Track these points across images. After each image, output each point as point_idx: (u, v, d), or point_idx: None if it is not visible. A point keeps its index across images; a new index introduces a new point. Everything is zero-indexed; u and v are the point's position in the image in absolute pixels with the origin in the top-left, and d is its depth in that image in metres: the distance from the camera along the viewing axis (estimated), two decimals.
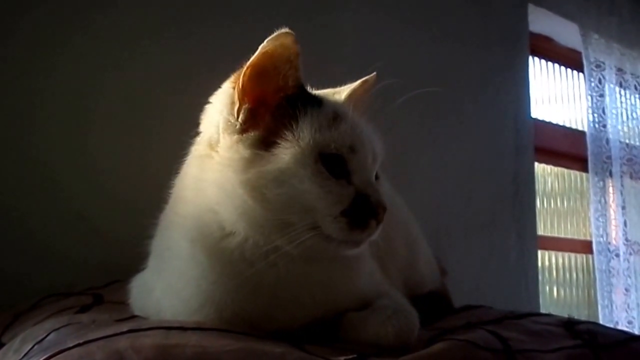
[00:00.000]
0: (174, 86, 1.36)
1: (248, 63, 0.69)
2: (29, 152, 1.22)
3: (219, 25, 1.47)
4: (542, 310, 2.23)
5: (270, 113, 0.70)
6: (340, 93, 0.83)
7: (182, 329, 0.64)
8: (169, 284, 0.74)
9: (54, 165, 1.24)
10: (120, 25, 1.35)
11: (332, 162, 0.68)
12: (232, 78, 0.72)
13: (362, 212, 0.68)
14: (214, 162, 0.71)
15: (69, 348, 0.56)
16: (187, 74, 1.37)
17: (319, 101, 0.73)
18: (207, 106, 0.76)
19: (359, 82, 0.83)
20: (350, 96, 0.82)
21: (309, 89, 0.77)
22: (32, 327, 0.74)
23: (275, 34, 0.67)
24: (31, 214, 1.20)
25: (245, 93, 0.70)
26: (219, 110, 0.72)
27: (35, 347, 0.63)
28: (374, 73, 0.84)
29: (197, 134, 0.77)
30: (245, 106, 0.70)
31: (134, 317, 0.79)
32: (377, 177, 0.76)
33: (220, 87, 0.75)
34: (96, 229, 1.23)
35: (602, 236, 2.35)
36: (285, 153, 0.67)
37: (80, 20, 1.30)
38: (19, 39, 1.23)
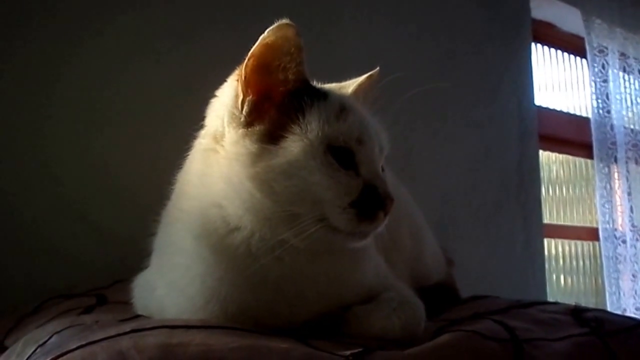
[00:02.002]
0: (176, 86, 1.35)
1: (249, 54, 0.68)
2: (31, 153, 1.22)
3: (221, 23, 1.47)
4: (550, 299, 2.23)
5: (276, 107, 0.70)
6: (347, 87, 0.83)
7: (186, 327, 0.64)
8: (173, 281, 0.74)
9: (56, 165, 1.24)
10: (125, 27, 1.35)
11: (340, 154, 0.68)
12: (236, 71, 0.72)
13: (371, 203, 0.68)
14: (220, 156, 0.70)
15: (72, 350, 0.55)
16: (189, 75, 1.36)
17: (324, 94, 0.73)
18: (213, 100, 0.76)
19: (364, 76, 0.84)
20: (357, 90, 0.82)
21: (313, 83, 0.76)
22: (35, 330, 0.74)
23: (275, 24, 0.66)
24: (34, 213, 1.20)
25: (248, 85, 0.69)
26: (224, 104, 0.72)
27: (38, 350, 0.63)
28: (378, 68, 0.85)
29: (201, 127, 0.77)
30: (249, 98, 0.69)
31: (137, 316, 0.78)
32: (382, 170, 0.76)
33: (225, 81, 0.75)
34: (99, 228, 1.23)
35: (608, 223, 2.34)
36: (294, 146, 0.67)
37: (87, 22, 1.30)
38: (27, 42, 1.24)
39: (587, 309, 0.93)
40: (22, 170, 1.21)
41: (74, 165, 1.26)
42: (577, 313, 0.89)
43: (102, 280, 1.08)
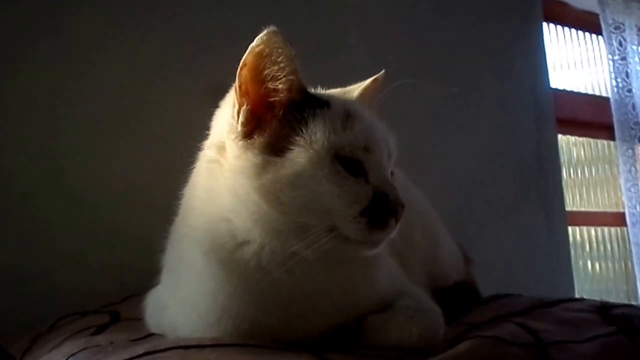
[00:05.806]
0: (191, 93, 1.35)
1: (241, 63, 0.68)
2: (50, 165, 1.23)
3: (216, 28, 1.44)
4: (578, 288, 2.17)
5: (277, 119, 0.69)
6: (352, 92, 0.82)
7: (199, 347, 0.63)
8: (184, 298, 0.73)
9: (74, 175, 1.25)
10: (118, 25, 1.35)
11: (349, 162, 0.67)
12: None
13: (381, 211, 0.67)
14: (224, 169, 0.70)
15: None
16: (203, 82, 1.36)
17: (326, 102, 0.71)
18: (216, 110, 0.76)
19: (369, 80, 0.83)
20: (362, 94, 0.82)
21: (317, 89, 0.75)
22: (50, 352, 0.75)
23: (263, 32, 0.66)
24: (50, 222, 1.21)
25: (242, 94, 0.68)
26: (224, 113, 0.72)
27: None
28: (383, 71, 0.84)
29: (205, 137, 0.76)
30: (244, 107, 0.68)
31: (150, 335, 0.78)
32: (392, 174, 0.74)
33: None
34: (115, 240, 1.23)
35: (635, 207, 2.27)
36: (300, 157, 0.66)
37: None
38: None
39: (614, 305, 0.89)
40: (40, 180, 1.21)
41: (88, 173, 1.27)
42: (604, 310, 0.86)
43: (116, 290, 1.09)
